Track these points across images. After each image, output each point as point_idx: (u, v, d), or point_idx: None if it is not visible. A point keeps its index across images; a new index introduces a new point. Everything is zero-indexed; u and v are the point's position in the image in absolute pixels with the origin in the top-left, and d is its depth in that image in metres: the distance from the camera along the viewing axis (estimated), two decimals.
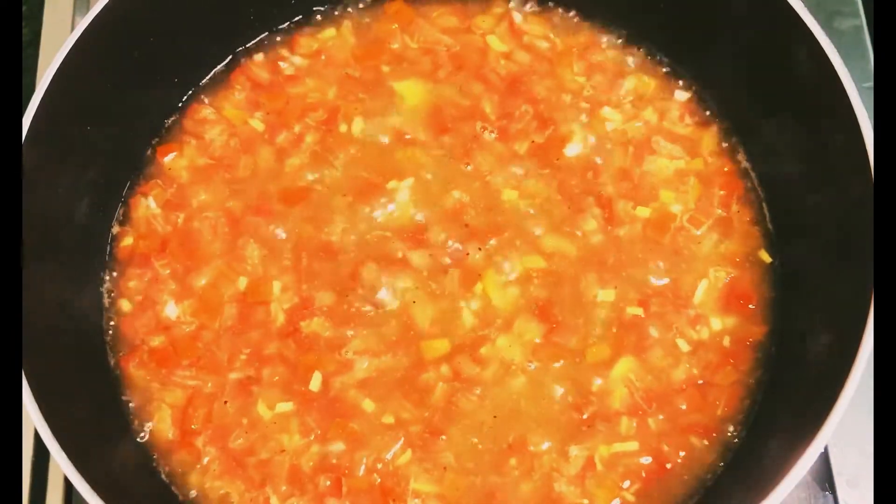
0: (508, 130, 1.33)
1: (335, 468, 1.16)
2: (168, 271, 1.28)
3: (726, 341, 1.22)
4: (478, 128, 1.34)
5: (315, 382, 1.19)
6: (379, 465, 1.16)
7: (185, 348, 1.23)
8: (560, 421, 1.17)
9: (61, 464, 1.00)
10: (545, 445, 1.16)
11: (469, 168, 1.32)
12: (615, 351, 1.21)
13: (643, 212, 1.28)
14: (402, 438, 1.17)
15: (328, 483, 1.15)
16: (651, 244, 1.27)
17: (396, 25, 1.42)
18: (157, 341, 1.24)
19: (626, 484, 1.15)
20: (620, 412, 1.18)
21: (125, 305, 1.28)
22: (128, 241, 1.31)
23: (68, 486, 1.26)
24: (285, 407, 1.19)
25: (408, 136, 1.34)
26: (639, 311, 1.22)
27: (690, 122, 1.35)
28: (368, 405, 1.18)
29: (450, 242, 1.27)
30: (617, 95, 1.36)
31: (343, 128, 1.35)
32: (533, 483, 1.15)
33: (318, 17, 1.45)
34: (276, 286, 1.25)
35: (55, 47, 1.18)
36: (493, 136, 1.33)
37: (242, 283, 1.26)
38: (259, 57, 1.43)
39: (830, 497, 1.23)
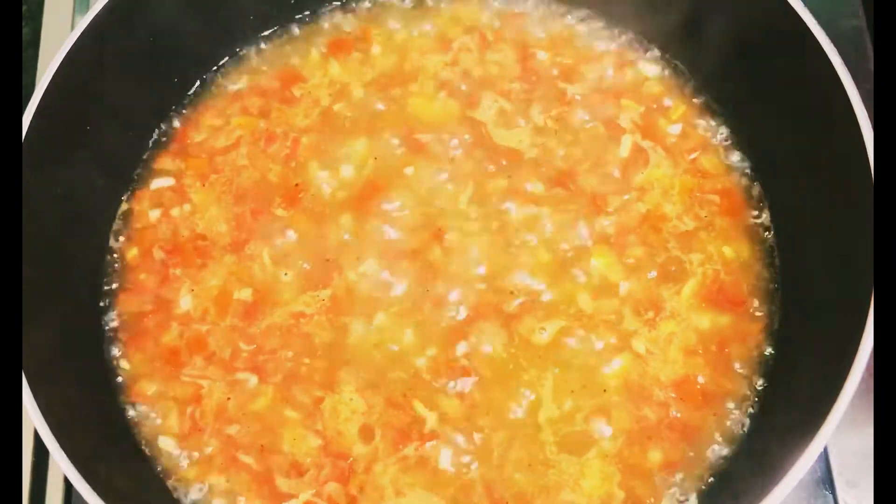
0: (509, 137, 1.34)
1: (336, 460, 1.16)
2: (178, 271, 1.28)
3: (723, 341, 1.22)
4: (482, 131, 1.35)
5: (317, 379, 1.21)
6: (378, 461, 1.16)
7: (190, 347, 1.24)
8: (558, 418, 1.17)
9: (61, 464, 1.00)
10: (542, 442, 1.16)
11: (469, 176, 1.32)
12: (612, 349, 1.21)
13: (640, 209, 1.29)
14: (402, 434, 1.17)
15: (330, 472, 1.16)
16: (646, 242, 1.27)
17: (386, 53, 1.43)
18: (160, 340, 1.25)
19: (624, 483, 1.15)
20: (617, 411, 1.18)
21: (125, 305, 1.28)
22: (128, 241, 1.31)
23: (68, 486, 1.27)
24: (287, 407, 1.19)
25: (413, 145, 1.34)
26: (636, 311, 1.23)
27: (688, 119, 1.35)
28: (369, 401, 1.19)
29: (451, 247, 1.27)
30: (614, 92, 1.37)
31: (346, 130, 1.36)
32: (530, 479, 1.15)
33: (319, 17, 1.45)
34: (280, 287, 1.26)
35: (55, 47, 1.19)
36: (494, 141, 1.34)
37: (246, 283, 1.27)
38: (261, 59, 1.43)
39: (830, 497, 1.23)
